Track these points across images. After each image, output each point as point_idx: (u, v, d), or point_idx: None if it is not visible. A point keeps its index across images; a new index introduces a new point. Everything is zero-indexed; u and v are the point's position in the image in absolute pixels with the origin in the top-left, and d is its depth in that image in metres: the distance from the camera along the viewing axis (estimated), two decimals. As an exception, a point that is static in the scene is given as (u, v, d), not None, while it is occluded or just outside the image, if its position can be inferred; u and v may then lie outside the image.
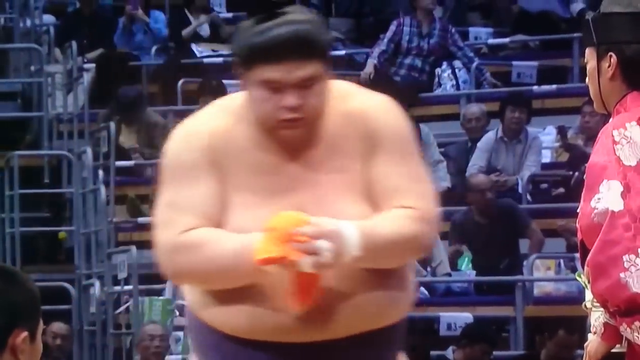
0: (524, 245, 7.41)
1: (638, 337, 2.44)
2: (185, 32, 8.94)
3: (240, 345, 2.26)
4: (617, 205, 2.45)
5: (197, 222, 2.25)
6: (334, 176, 2.26)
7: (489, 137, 7.83)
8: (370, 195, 2.27)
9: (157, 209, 2.32)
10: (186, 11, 9.02)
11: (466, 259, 7.39)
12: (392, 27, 8.51)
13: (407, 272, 2.30)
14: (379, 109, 2.29)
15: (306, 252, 2.20)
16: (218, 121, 2.29)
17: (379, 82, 8.26)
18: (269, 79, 2.21)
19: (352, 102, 2.29)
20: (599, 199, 2.47)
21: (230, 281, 2.25)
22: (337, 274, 2.23)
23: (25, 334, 1.91)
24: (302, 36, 2.21)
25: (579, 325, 6.38)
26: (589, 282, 2.49)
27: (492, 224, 7.20)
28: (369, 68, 8.51)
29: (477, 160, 7.80)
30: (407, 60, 8.58)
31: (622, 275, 2.43)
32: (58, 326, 6.98)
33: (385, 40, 8.50)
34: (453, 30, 8.66)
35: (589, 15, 2.54)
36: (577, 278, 2.60)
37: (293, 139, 2.26)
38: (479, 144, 7.82)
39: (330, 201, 2.25)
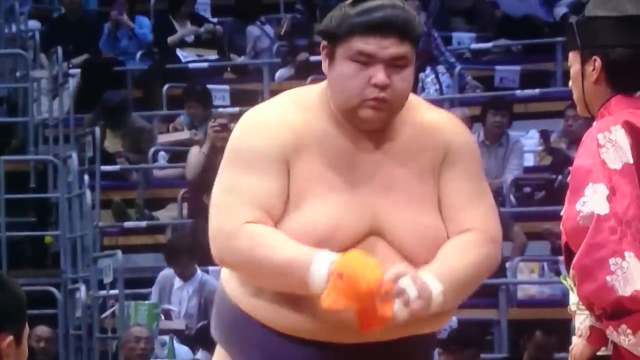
0: (506, 248, 7.44)
1: (625, 340, 2.45)
2: (170, 39, 8.94)
3: (283, 340, 2.23)
4: (602, 208, 2.46)
5: (258, 215, 2.20)
6: (409, 183, 2.26)
7: (470, 141, 7.86)
8: (437, 204, 2.28)
9: (217, 190, 2.25)
10: (171, 17, 9.03)
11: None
12: None
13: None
14: (453, 125, 2.32)
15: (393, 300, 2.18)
16: (293, 114, 2.25)
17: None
18: (364, 51, 2.20)
19: (426, 114, 2.30)
20: (584, 202, 2.47)
21: (274, 287, 2.23)
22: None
23: (10, 338, 1.91)
24: (402, 16, 2.24)
25: (558, 327, 6.43)
26: (574, 285, 2.51)
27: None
28: None
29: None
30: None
31: (608, 278, 2.44)
32: (42, 329, 6.98)
33: None
34: (436, 34, 8.69)
35: (573, 19, 2.55)
36: (562, 281, 2.61)
37: (373, 122, 2.22)
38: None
39: (403, 208, 2.25)
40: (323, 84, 2.30)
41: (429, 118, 2.31)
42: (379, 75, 2.21)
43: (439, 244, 2.27)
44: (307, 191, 2.24)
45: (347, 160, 2.25)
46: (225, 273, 2.31)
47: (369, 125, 2.26)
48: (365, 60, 2.22)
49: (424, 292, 2.23)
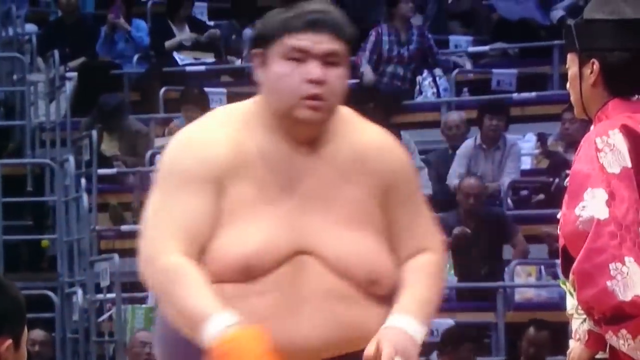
0: (507, 252, 7.44)
1: (624, 345, 2.45)
2: (168, 43, 8.94)
3: None
4: (602, 213, 2.46)
5: (182, 245, 2.19)
6: (345, 202, 2.25)
7: (467, 145, 7.86)
8: (379, 223, 2.28)
9: (148, 210, 2.25)
10: (169, 20, 9.02)
11: (447, 266, 7.42)
12: (372, 38, 8.51)
13: (389, 305, 2.33)
14: (391, 148, 2.31)
15: None
16: (227, 133, 2.24)
17: (364, 91, 8.29)
18: (298, 46, 2.20)
19: (363, 134, 2.29)
20: (583, 206, 2.47)
21: (181, 325, 2.23)
22: (330, 299, 2.24)
23: (9, 341, 1.90)
24: (334, 17, 2.26)
25: (550, 325, 6.42)
26: (574, 290, 2.51)
27: (478, 229, 7.23)
28: (369, 76, 8.50)
29: (456, 167, 7.83)
30: (389, 69, 8.60)
31: (608, 283, 2.44)
32: (37, 333, 6.98)
33: (367, 52, 8.52)
34: (429, 36, 8.69)
35: (572, 21, 2.55)
36: (562, 285, 2.60)
37: (311, 123, 2.21)
38: (458, 151, 7.85)
39: (338, 227, 2.25)
40: (258, 100, 2.28)
41: (367, 140, 2.30)
42: (315, 70, 2.20)
43: (374, 263, 2.26)
44: (240, 210, 2.23)
45: (283, 177, 2.25)
46: None
47: (305, 127, 2.25)
48: (300, 56, 2.21)
49: (411, 353, 2.26)
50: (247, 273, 2.21)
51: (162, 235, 2.20)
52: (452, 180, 7.78)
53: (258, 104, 2.27)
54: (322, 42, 2.21)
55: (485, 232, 7.21)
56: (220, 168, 2.22)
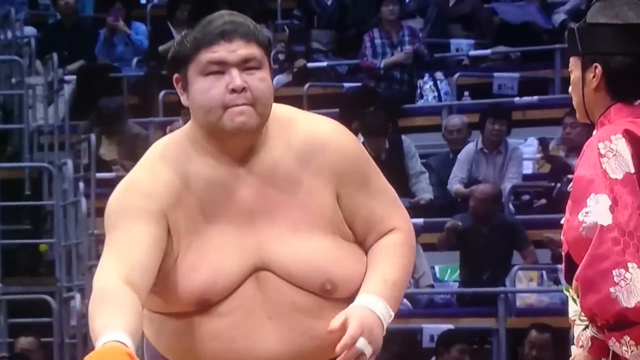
0: (515, 259, 7.40)
1: (627, 352, 2.44)
2: (161, 48, 8.93)
3: None
4: (605, 219, 2.45)
5: (123, 271, 2.21)
6: (291, 210, 2.24)
7: (469, 149, 7.83)
8: (333, 223, 2.26)
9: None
10: (169, 23, 9.00)
11: (449, 271, 7.38)
12: (366, 44, 8.51)
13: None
14: (332, 135, 2.28)
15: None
16: (165, 168, 2.25)
17: (364, 96, 8.26)
18: (214, 59, 2.20)
19: (301, 129, 2.27)
20: (587, 212, 2.46)
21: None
22: (293, 312, 2.24)
23: None
24: (243, 23, 2.25)
25: (551, 328, 6.39)
26: (577, 296, 2.50)
27: (492, 233, 7.19)
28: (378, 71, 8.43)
29: (457, 172, 7.80)
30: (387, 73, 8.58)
31: (612, 289, 2.43)
32: (25, 341, 6.95)
33: (367, 58, 8.50)
34: (421, 35, 8.67)
35: (574, 25, 2.53)
36: (565, 292, 2.59)
37: (243, 130, 2.20)
38: (459, 156, 7.82)
39: (286, 239, 2.24)
40: (187, 128, 2.29)
41: (306, 135, 2.27)
42: (235, 79, 2.20)
43: (327, 271, 2.24)
44: (190, 239, 2.23)
45: (227, 198, 2.23)
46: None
47: (239, 137, 2.23)
48: (218, 69, 2.22)
49: (377, 336, 2.24)
50: (205, 303, 2.22)
51: (106, 262, 2.23)
52: (453, 185, 7.75)
53: (191, 129, 2.27)
54: (237, 49, 2.21)
55: (498, 238, 7.18)
56: (162, 201, 2.23)
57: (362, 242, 2.29)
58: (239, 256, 2.22)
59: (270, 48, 2.28)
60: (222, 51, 2.20)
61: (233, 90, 2.19)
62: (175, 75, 2.25)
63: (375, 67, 8.44)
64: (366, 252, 2.30)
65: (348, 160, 2.26)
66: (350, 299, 2.25)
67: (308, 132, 2.26)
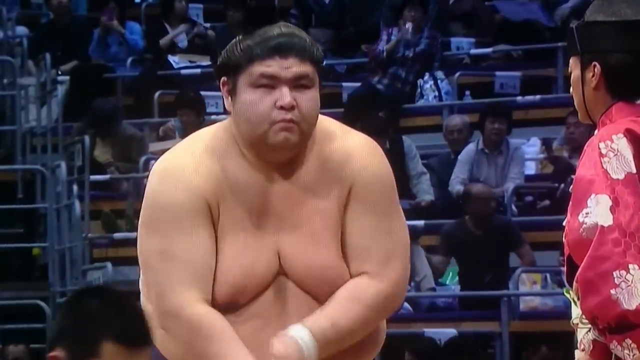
0: (513, 261, 7.31)
1: (629, 355, 2.41)
2: (162, 41, 8.84)
3: None
4: (606, 220, 2.42)
5: (201, 294, 2.20)
6: (314, 220, 2.26)
7: (469, 149, 7.75)
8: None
9: (148, 251, 2.25)
10: (164, 22, 8.92)
11: (451, 274, 7.28)
12: (383, 37, 8.43)
13: (379, 323, 2.31)
14: (364, 153, 2.29)
15: None
16: (208, 161, 2.25)
17: (364, 95, 8.18)
18: (266, 73, 2.21)
19: (337, 143, 2.30)
20: (587, 213, 2.43)
21: None
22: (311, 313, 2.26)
23: (62, 354, 1.87)
24: (300, 40, 2.26)
25: (564, 341, 6.29)
26: (578, 298, 2.47)
27: (486, 236, 7.10)
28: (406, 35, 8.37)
29: (458, 173, 7.71)
30: (391, 70, 8.49)
31: (612, 291, 2.40)
32: (14, 348, 6.87)
33: (377, 47, 8.43)
34: (440, 40, 8.60)
35: (574, 24, 2.52)
36: (566, 294, 2.56)
37: (285, 147, 2.23)
38: (460, 156, 7.74)
39: (304, 248, 2.25)
40: (227, 125, 2.29)
41: (339, 148, 2.28)
42: (284, 96, 2.21)
43: (334, 282, 2.27)
44: (224, 239, 2.24)
45: (259, 202, 2.25)
46: (144, 303, 2.29)
47: (281, 152, 2.26)
48: (269, 83, 2.23)
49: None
50: (232, 305, 2.23)
51: (178, 285, 2.20)
52: (454, 186, 7.65)
53: (228, 130, 2.28)
54: (290, 67, 2.24)
55: (492, 240, 7.09)
56: (207, 196, 2.25)
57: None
58: (266, 260, 2.25)
59: (322, 64, 2.28)
60: (275, 66, 2.23)
61: (281, 107, 2.21)
62: (223, 79, 2.25)
63: (378, 53, 8.35)
64: None
65: (365, 179, 2.28)
66: None
67: (340, 148, 2.28)
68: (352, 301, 2.24)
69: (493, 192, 7.27)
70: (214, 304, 2.20)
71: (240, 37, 2.25)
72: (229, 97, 2.24)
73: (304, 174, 2.25)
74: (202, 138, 2.26)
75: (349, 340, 2.23)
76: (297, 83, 2.22)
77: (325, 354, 2.22)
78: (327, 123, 2.30)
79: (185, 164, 2.22)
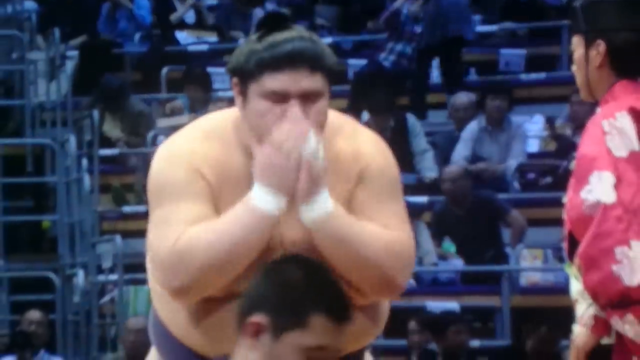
0: (506, 234, 7.36)
1: (630, 330, 2.44)
2: (173, 17, 8.85)
3: None
4: (609, 197, 2.43)
5: (188, 227, 2.21)
6: None
7: (472, 127, 7.78)
8: None
9: (150, 227, 2.25)
10: (172, -3, 8.95)
11: (453, 247, 7.34)
12: (390, 8, 8.42)
13: (381, 306, 2.29)
14: (370, 151, 2.28)
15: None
16: (210, 148, 2.24)
17: (371, 72, 8.19)
18: (276, 89, 2.20)
19: (346, 141, 2.28)
20: (589, 190, 2.45)
21: (244, 255, 2.19)
22: None
23: (264, 321, 1.90)
24: (311, 48, 2.22)
25: (563, 320, 6.32)
26: (580, 274, 2.48)
27: (469, 214, 7.15)
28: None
29: (461, 151, 7.75)
30: (398, 47, 8.50)
31: (614, 267, 2.42)
32: (33, 314, 6.95)
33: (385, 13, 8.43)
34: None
35: (578, 2, 2.53)
36: (567, 269, 2.58)
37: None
38: (462, 134, 7.77)
39: (312, 247, 2.23)
40: (235, 115, 2.27)
41: (347, 147, 2.28)
42: (294, 110, 2.21)
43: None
44: None
45: None
46: (151, 283, 2.29)
47: None
48: (279, 97, 2.22)
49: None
50: (230, 287, 2.20)
51: (170, 233, 2.20)
52: (458, 163, 7.69)
53: (238, 124, 2.26)
54: (301, 81, 2.20)
55: (478, 216, 7.13)
56: (207, 180, 2.24)
57: None
58: (267, 249, 2.22)
59: (334, 70, 2.24)
60: (285, 81, 2.19)
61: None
62: (235, 80, 2.24)
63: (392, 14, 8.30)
64: None
65: (371, 172, 2.27)
66: (373, 305, 2.24)
67: (349, 150, 2.27)
68: (372, 226, 2.23)
69: (467, 171, 7.31)
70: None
71: (253, 38, 2.22)
72: (240, 97, 2.21)
73: None
74: (208, 125, 2.27)
75: (348, 246, 2.18)
76: (307, 96, 2.21)
77: (325, 237, 2.18)
78: (335, 119, 2.27)
79: (187, 148, 2.23)
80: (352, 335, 2.20)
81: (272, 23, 2.20)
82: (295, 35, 2.21)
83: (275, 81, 2.18)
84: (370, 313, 2.25)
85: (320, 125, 2.22)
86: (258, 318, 1.92)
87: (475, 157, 7.68)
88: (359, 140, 2.27)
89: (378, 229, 2.22)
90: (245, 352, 1.93)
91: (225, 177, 2.22)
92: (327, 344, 1.93)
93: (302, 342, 1.91)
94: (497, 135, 7.74)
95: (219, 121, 2.26)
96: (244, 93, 2.21)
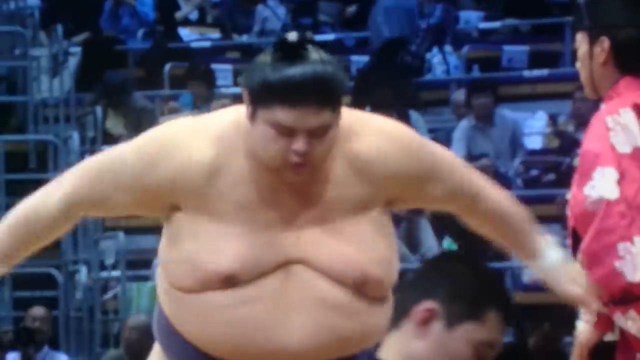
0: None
1: (632, 326, 2.45)
2: (178, 15, 8.84)
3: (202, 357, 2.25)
4: (612, 193, 2.43)
5: (66, 206, 2.28)
6: (337, 214, 2.23)
7: (462, 126, 7.79)
8: (376, 223, 2.24)
9: (99, 156, 2.28)
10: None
11: (453, 245, 7.32)
12: None
13: (389, 305, 2.29)
14: (388, 153, 2.26)
15: None
16: (206, 150, 2.21)
17: (373, 69, 8.18)
18: (283, 123, 2.17)
19: (356, 144, 2.25)
20: (592, 186, 2.45)
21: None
22: (320, 306, 2.22)
23: (432, 307, 1.90)
24: (321, 83, 2.18)
25: (566, 317, 6.33)
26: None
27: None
28: None
29: (456, 150, 7.74)
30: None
31: (617, 264, 2.42)
32: (37, 310, 6.95)
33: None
34: (453, 14, 8.59)
35: None
36: None
37: (295, 181, 2.23)
38: (454, 135, 7.78)
39: (331, 239, 2.23)
40: (241, 118, 2.25)
41: (362, 149, 2.25)
42: (299, 144, 2.19)
43: (360, 269, 2.22)
44: (217, 224, 2.21)
45: (269, 194, 2.23)
46: (158, 275, 2.30)
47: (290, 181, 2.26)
48: (285, 130, 2.20)
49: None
50: (230, 281, 2.20)
51: (65, 181, 2.29)
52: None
53: (243, 130, 2.24)
54: (309, 119, 2.17)
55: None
56: (187, 180, 2.20)
57: (446, 210, 2.32)
58: (273, 245, 2.20)
59: (343, 94, 2.22)
60: (293, 117, 2.16)
61: (296, 152, 2.19)
62: (245, 94, 2.22)
63: None
64: (458, 213, 2.33)
65: (409, 165, 2.25)
66: (383, 299, 2.22)
67: (365, 147, 2.24)
68: (509, 207, 2.31)
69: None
70: (211, 280, 2.19)
71: (267, 60, 2.17)
72: (249, 110, 2.18)
73: (325, 174, 2.23)
74: (212, 125, 2.23)
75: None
76: (315, 131, 2.18)
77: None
78: (348, 117, 2.23)
79: (183, 149, 2.20)
80: (371, 332, 2.21)
81: (288, 51, 2.17)
82: (309, 69, 2.15)
83: (283, 115, 2.15)
84: (387, 310, 2.25)
85: (324, 153, 2.21)
86: (430, 305, 1.90)
87: (471, 156, 7.68)
88: (375, 139, 2.25)
89: (516, 208, 2.30)
90: (409, 339, 1.92)
91: (222, 180, 2.20)
92: (497, 341, 1.93)
93: (476, 336, 1.91)
94: (488, 131, 7.74)
95: (225, 123, 2.23)
96: (252, 112, 2.20)
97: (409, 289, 1.97)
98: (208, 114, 2.29)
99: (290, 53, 2.16)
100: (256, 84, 2.17)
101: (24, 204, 2.37)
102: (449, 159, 2.29)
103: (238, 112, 2.24)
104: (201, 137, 2.21)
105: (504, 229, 2.34)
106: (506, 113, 7.81)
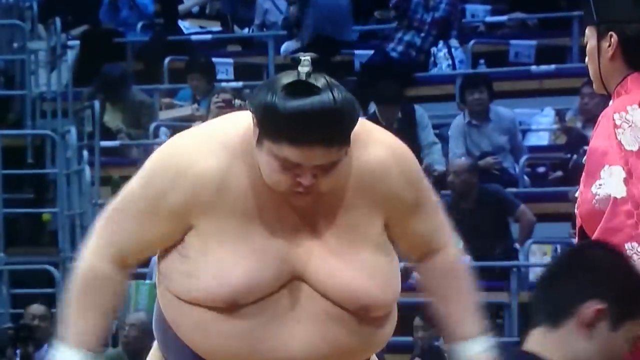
0: (515, 229, 7.27)
1: None
2: (181, 8, 8.76)
3: None
4: (619, 191, 2.40)
5: (111, 258, 2.27)
6: (338, 230, 2.24)
7: (457, 123, 7.70)
8: (377, 244, 2.26)
9: (119, 195, 2.30)
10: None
11: (460, 243, 7.22)
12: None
13: (392, 317, 2.31)
14: (389, 167, 2.25)
15: None
16: (217, 160, 2.21)
17: (378, 63, 8.10)
18: (291, 160, 2.16)
19: (358, 158, 2.24)
20: (600, 185, 2.42)
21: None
22: (321, 321, 2.22)
23: (602, 308, 1.88)
24: (331, 124, 2.15)
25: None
26: None
27: (477, 209, 7.05)
28: None
29: (454, 148, 7.66)
30: (407, 37, 8.39)
31: None
32: (37, 308, 6.86)
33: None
34: (459, 7, 8.50)
35: None
36: None
37: (301, 205, 2.23)
38: (450, 132, 7.71)
39: (332, 257, 2.23)
40: (247, 131, 2.22)
41: (364, 164, 2.24)
42: (305, 178, 2.18)
43: (362, 297, 2.25)
44: (223, 239, 2.22)
45: (273, 208, 2.23)
46: (161, 288, 2.29)
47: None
48: (291, 164, 2.18)
49: None
50: (234, 304, 2.21)
51: (104, 243, 2.30)
52: (454, 161, 7.59)
53: (251, 144, 2.21)
54: (315, 157, 2.16)
55: (486, 210, 7.03)
56: (194, 202, 2.22)
57: (409, 255, 2.32)
58: (277, 264, 2.22)
59: (353, 128, 2.19)
60: (300, 155, 2.16)
61: (300, 185, 2.18)
62: (252, 115, 2.19)
63: None
64: (416, 261, 2.33)
65: (405, 189, 2.26)
66: (386, 317, 2.26)
67: (366, 161, 2.24)
68: (460, 280, 2.34)
69: (473, 165, 7.22)
70: (215, 301, 2.19)
71: (278, 86, 2.13)
72: (255, 133, 2.17)
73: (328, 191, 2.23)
74: (222, 134, 2.22)
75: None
76: (322, 167, 2.18)
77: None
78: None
79: (192, 161, 2.19)
80: (374, 344, 2.23)
81: (300, 86, 2.12)
82: (317, 106, 2.11)
83: (290, 152, 2.13)
84: (391, 320, 2.28)
85: (331, 184, 2.19)
86: (600, 305, 1.87)
87: (469, 153, 7.58)
88: (378, 151, 2.23)
89: (463, 278, 2.34)
90: (574, 340, 1.88)
91: (225, 191, 2.19)
92: None
93: (634, 334, 1.90)
94: (484, 127, 7.63)
95: (234, 133, 2.21)
96: (259, 139, 2.17)
97: (565, 286, 1.92)
98: (212, 121, 2.27)
99: (301, 86, 2.11)
100: (264, 113, 2.13)
101: (75, 289, 2.33)
102: (436, 201, 2.30)
103: (243, 123, 2.20)
104: (205, 150, 2.19)
105: (449, 295, 2.33)
106: (501, 109, 7.71)
